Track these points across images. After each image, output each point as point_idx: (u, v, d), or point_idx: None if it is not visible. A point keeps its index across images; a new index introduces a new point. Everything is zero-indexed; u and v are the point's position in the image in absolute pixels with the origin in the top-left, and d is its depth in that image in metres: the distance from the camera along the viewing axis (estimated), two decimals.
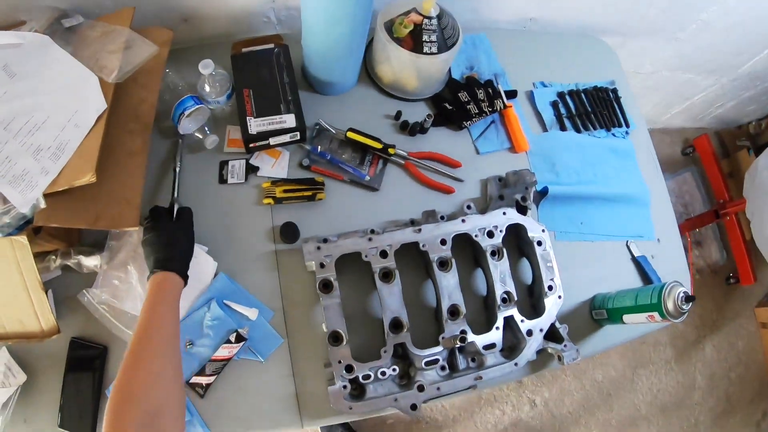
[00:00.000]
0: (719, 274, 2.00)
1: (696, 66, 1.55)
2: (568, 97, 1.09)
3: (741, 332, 2.02)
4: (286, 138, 0.89)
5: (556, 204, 1.00)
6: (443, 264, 0.84)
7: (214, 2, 0.95)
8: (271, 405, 0.83)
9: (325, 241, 0.83)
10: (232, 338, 0.84)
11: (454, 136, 1.00)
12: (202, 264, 0.86)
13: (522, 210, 0.92)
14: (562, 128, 1.07)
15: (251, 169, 0.91)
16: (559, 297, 0.90)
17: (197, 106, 0.87)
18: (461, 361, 0.85)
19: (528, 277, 0.95)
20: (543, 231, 0.91)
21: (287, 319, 0.86)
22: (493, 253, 0.87)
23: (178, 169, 0.85)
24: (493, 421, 1.73)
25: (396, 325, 0.81)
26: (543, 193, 0.99)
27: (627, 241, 1.06)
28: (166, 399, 0.61)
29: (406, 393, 0.80)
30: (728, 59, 1.53)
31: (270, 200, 0.88)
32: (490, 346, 0.84)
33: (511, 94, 1.04)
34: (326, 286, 0.81)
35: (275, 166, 0.92)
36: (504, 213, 0.89)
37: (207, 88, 0.90)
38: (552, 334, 0.90)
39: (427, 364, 0.81)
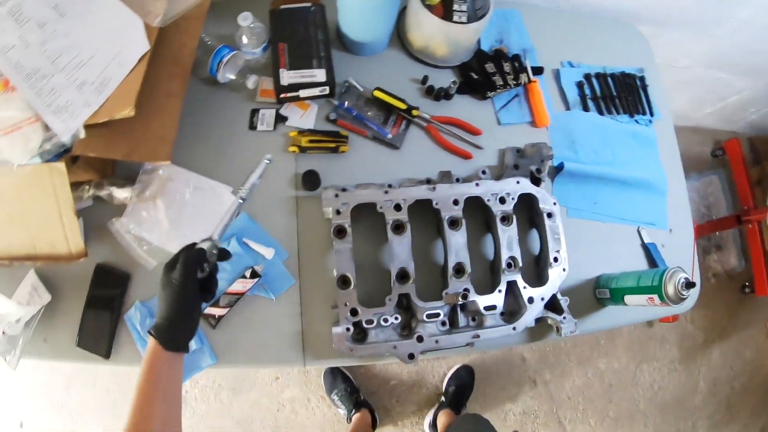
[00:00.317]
0: (735, 281, 1.95)
1: (732, 65, 1.51)
2: (594, 79, 1.09)
3: (750, 342, 1.98)
4: (315, 91, 0.92)
5: (571, 181, 1.01)
6: (454, 223, 0.86)
7: None
8: (277, 341, 0.87)
9: (344, 190, 0.86)
10: (248, 274, 0.87)
11: (477, 105, 1.01)
12: (226, 203, 0.90)
13: (536, 181, 0.93)
14: (585, 109, 1.06)
15: (280, 119, 0.94)
16: (564, 270, 0.91)
17: (233, 53, 0.90)
18: (462, 319, 0.87)
19: (536, 248, 0.96)
20: (555, 204, 0.92)
21: (301, 261, 0.89)
22: (503, 219, 0.88)
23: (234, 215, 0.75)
24: (492, 395, 1.75)
25: (403, 276, 0.84)
26: (559, 169, 0.99)
27: (639, 227, 1.05)
28: None
29: (405, 342, 0.82)
30: (766, 62, 1.48)
31: (295, 149, 0.91)
32: (491, 308, 0.86)
33: (538, 71, 1.04)
34: (340, 232, 0.84)
35: (303, 117, 0.95)
36: (518, 182, 0.90)
37: (244, 40, 0.93)
38: (553, 305, 0.91)
39: (429, 317, 0.83)
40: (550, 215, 0.91)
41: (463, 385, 1.68)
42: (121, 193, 0.85)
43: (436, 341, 0.83)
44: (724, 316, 1.94)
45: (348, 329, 0.82)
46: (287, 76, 0.91)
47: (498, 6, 0.94)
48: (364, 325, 0.82)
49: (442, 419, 1.55)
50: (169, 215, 0.87)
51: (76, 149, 0.71)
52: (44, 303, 0.82)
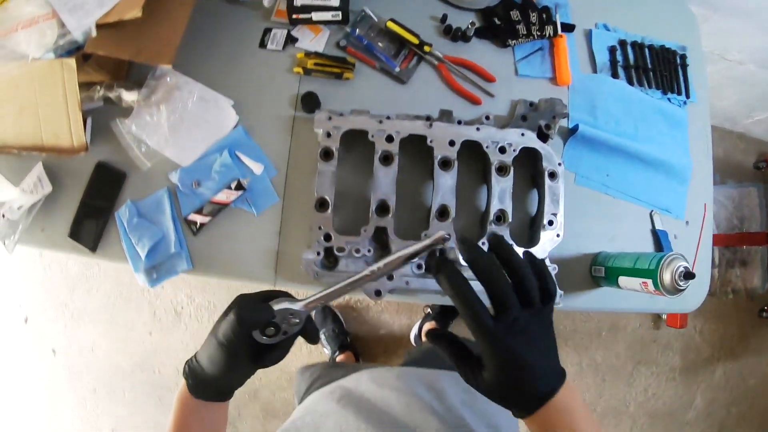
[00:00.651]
0: (755, 303, 1.74)
1: None
2: (629, 47, 0.95)
3: (756, 370, 1.77)
4: (328, 15, 0.84)
5: (585, 146, 0.89)
6: (445, 163, 0.77)
7: None
8: (252, 257, 0.82)
9: (341, 115, 0.79)
10: (233, 185, 0.82)
11: (496, 52, 0.90)
12: (225, 115, 0.85)
13: (543, 137, 0.82)
14: (614, 76, 0.93)
15: (291, 40, 0.87)
16: (558, 235, 0.80)
17: None
18: None
19: (534, 209, 0.85)
20: (560, 165, 0.80)
21: (288, 181, 0.83)
22: (499, 169, 0.78)
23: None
24: None
25: (382, 208, 0.76)
26: (573, 131, 0.87)
27: (652, 211, 0.92)
28: None
29: None
30: None
31: (300, 70, 0.84)
32: None
33: (568, 28, 0.91)
34: (327, 154, 0.76)
35: (313, 41, 0.87)
36: (522, 134, 0.80)
37: None
38: None
39: None
40: (552, 175, 0.80)
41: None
42: (129, 96, 0.82)
43: (407, 282, 0.75)
44: (734, 336, 1.74)
45: (319, 253, 0.75)
46: None
47: None
48: (336, 253, 0.75)
49: (428, 327, 1.48)
50: (170, 122, 0.84)
51: (88, 47, 0.70)
52: (46, 193, 0.81)
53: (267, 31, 0.88)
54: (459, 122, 0.80)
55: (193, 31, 0.82)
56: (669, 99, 0.96)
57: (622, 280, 0.79)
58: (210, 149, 0.84)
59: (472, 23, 0.86)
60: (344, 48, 0.86)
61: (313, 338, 0.54)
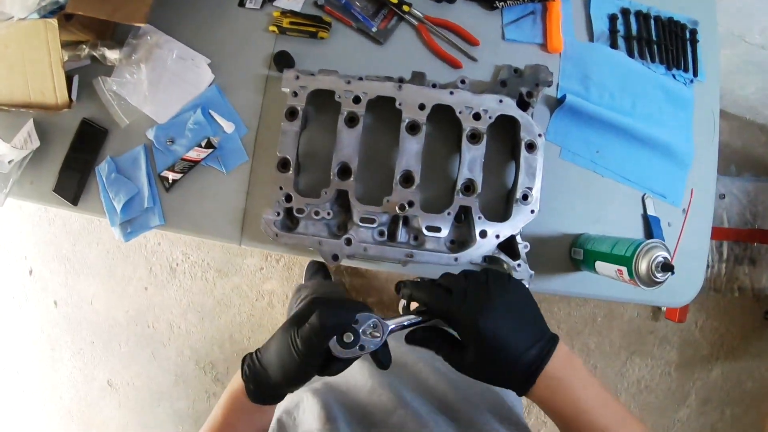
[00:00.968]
0: (760, 304, 1.56)
1: None
2: (632, 17, 0.82)
3: (755, 374, 1.61)
4: None
5: (573, 119, 0.78)
6: (413, 128, 0.68)
7: None
8: (220, 215, 0.76)
9: (312, 75, 0.72)
10: (203, 143, 0.77)
11: (482, 15, 0.79)
12: (201, 74, 0.79)
13: (523, 106, 0.72)
14: (613, 46, 0.81)
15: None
16: (532, 211, 0.70)
17: None
18: (402, 235, 0.70)
19: (510, 182, 0.75)
20: (540, 136, 0.70)
21: (258, 140, 0.77)
22: (472, 136, 0.69)
23: None
24: None
25: (344, 171, 0.68)
26: (560, 101, 0.77)
27: (645, 194, 0.80)
28: None
29: (331, 241, 0.68)
30: None
31: (275, 28, 0.77)
32: (434, 229, 0.68)
33: None
34: (292, 114, 0.69)
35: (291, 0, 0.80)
36: (500, 101, 0.70)
37: None
38: (510, 248, 0.72)
39: (363, 220, 0.68)
40: (531, 146, 0.70)
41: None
42: (111, 55, 0.79)
43: (365, 249, 0.68)
44: (736, 337, 1.58)
45: (278, 214, 0.69)
46: None
47: None
48: (295, 213, 0.69)
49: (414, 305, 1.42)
50: (149, 80, 0.79)
51: (68, 7, 0.69)
52: (33, 148, 0.79)
53: None
54: (434, 85, 0.71)
55: None
56: (673, 75, 0.84)
57: (599, 265, 0.69)
58: (185, 107, 0.79)
59: None
60: (322, 7, 0.78)
61: (385, 362, 0.45)
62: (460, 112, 0.69)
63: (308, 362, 0.42)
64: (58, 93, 0.74)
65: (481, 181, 0.69)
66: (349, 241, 0.68)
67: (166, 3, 0.77)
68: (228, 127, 0.77)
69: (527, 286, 0.71)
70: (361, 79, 0.70)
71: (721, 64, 0.87)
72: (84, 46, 0.78)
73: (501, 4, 0.77)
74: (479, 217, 0.69)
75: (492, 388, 0.56)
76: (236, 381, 0.47)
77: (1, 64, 0.75)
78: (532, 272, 0.70)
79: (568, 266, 0.78)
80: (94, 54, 0.79)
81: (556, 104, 0.78)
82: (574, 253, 0.76)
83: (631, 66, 0.81)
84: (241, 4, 0.80)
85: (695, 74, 0.84)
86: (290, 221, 0.72)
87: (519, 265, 0.70)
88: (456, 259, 0.68)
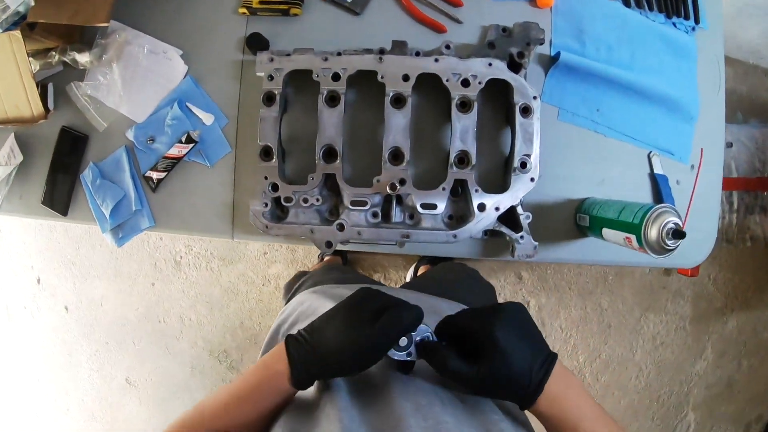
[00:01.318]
0: None
1: None
2: None
3: None
4: None
5: (570, 77, 0.71)
6: (398, 101, 0.63)
7: None
8: (209, 210, 0.73)
9: (288, 55, 0.66)
10: (183, 138, 0.72)
11: None
12: (174, 66, 0.74)
13: (515, 68, 0.66)
14: None
15: None
16: (532, 179, 0.65)
17: None
18: (397, 214, 0.66)
19: (507, 149, 0.70)
20: (535, 98, 0.64)
21: (239, 129, 0.72)
22: (461, 105, 0.64)
23: None
24: None
25: (329, 154, 0.63)
26: (554, 59, 0.70)
27: (651, 152, 0.74)
28: None
29: (323, 228, 0.63)
30: None
31: (245, 10, 0.71)
32: (430, 206, 0.64)
33: None
34: (269, 99, 0.64)
35: None
36: (490, 64, 0.64)
37: None
38: (512, 220, 0.67)
39: (354, 204, 0.63)
40: (526, 110, 0.64)
41: None
42: (82, 58, 0.74)
43: (359, 232, 0.63)
44: (750, 287, 1.51)
45: (266, 205, 0.65)
46: None
47: None
48: (283, 203, 0.64)
49: (423, 270, 1.39)
50: (123, 79, 0.75)
51: (30, 16, 0.65)
52: (17, 163, 0.76)
53: None
54: (417, 53, 0.65)
55: None
56: (674, 24, 0.76)
57: (606, 232, 0.64)
58: (162, 103, 0.74)
59: None
60: None
61: (436, 358, 0.43)
62: (447, 80, 0.63)
63: (377, 355, 0.41)
64: (33, 105, 0.72)
65: (476, 151, 0.63)
66: (341, 227, 0.63)
67: None
68: (207, 118, 0.72)
69: (532, 257, 0.67)
70: (339, 54, 0.65)
71: (722, 9, 0.79)
72: (54, 53, 0.74)
73: None
74: (476, 190, 0.64)
75: None
76: (273, 359, 0.43)
77: None
78: (536, 243, 0.65)
79: (575, 233, 0.73)
80: (65, 59, 0.74)
81: (549, 63, 0.71)
82: (579, 220, 0.71)
83: (628, 16, 0.74)
84: None
85: (696, 21, 0.76)
86: (280, 210, 0.68)
87: (522, 237, 0.65)
88: (455, 236, 0.63)
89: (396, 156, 0.63)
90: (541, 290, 1.52)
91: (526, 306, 1.49)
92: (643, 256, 0.61)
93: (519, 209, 0.66)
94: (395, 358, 0.42)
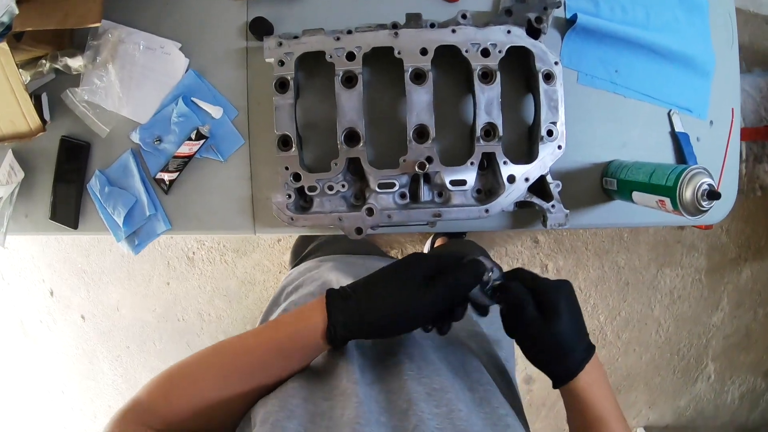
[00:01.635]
0: None
1: None
2: None
3: None
4: None
5: (587, 39, 0.70)
6: (418, 76, 0.61)
7: None
8: (227, 207, 0.71)
9: (295, 38, 0.64)
10: (193, 135, 0.70)
11: None
12: (174, 61, 0.71)
13: (534, 33, 0.65)
14: None
15: None
16: (559, 147, 0.64)
17: None
18: (425, 193, 0.65)
19: (530, 117, 0.69)
20: (556, 64, 0.64)
21: (250, 119, 0.70)
22: (483, 76, 0.62)
23: None
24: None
25: (351, 137, 0.62)
26: (571, 22, 0.69)
27: (670, 111, 0.73)
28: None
29: (352, 214, 0.63)
30: None
31: None
32: (459, 182, 0.63)
33: None
34: (282, 86, 0.62)
35: None
36: (508, 31, 0.62)
37: None
38: (541, 189, 0.66)
39: (382, 186, 0.62)
40: (548, 77, 0.63)
41: None
42: (74, 63, 0.71)
43: (389, 216, 0.63)
44: (763, 236, 1.54)
45: (289, 196, 0.64)
46: None
47: None
48: (307, 192, 0.63)
49: (440, 242, 1.41)
50: (121, 80, 0.72)
51: (16, 26, 0.62)
52: (19, 180, 0.74)
53: None
54: (432, 25, 0.63)
55: None
56: None
57: (637, 195, 0.64)
58: (165, 101, 0.72)
59: None
60: None
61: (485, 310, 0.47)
62: (466, 51, 0.62)
63: (427, 320, 0.42)
64: (29, 118, 0.69)
65: (502, 122, 0.62)
66: (370, 211, 0.62)
67: None
68: (215, 112, 0.70)
69: (564, 225, 0.67)
70: (350, 32, 0.63)
71: None
72: (44, 61, 0.71)
73: None
74: (504, 162, 0.63)
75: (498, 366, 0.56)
76: (311, 313, 0.42)
77: None
78: (567, 211, 0.65)
79: (601, 197, 0.73)
80: (57, 66, 0.71)
81: (565, 26, 0.70)
82: (606, 183, 0.71)
83: None
84: None
85: None
86: (303, 200, 0.66)
87: (553, 206, 0.65)
88: (487, 211, 0.63)
89: (421, 134, 0.62)
90: (558, 252, 1.53)
91: (544, 269, 1.52)
92: (668, 216, 0.62)
93: (548, 178, 0.65)
94: (478, 300, 0.43)
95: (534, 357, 0.47)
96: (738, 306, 1.56)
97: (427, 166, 0.61)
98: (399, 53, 0.61)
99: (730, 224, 1.54)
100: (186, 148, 0.70)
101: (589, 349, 0.46)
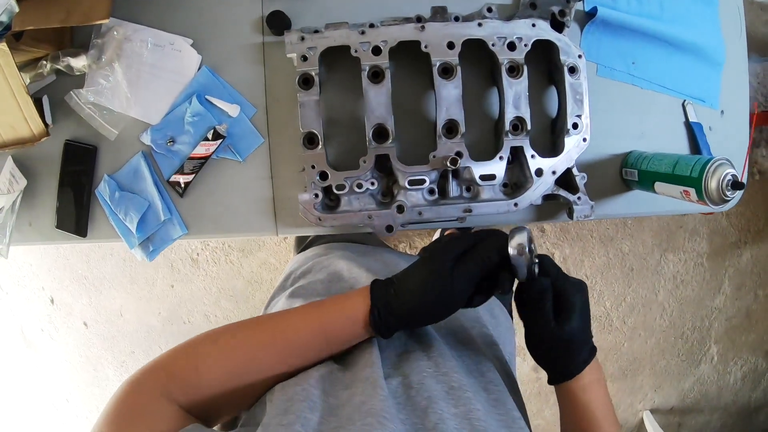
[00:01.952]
0: None
1: None
2: None
3: None
4: None
5: (605, 32, 0.72)
6: (446, 71, 0.62)
7: None
8: (247, 208, 0.71)
9: (316, 32, 0.63)
10: (210, 135, 0.69)
11: None
12: (185, 58, 0.70)
13: (557, 26, 0.66)
14: None
15: None
16: (584, 140, 0.66)
17: None
18: (454, 189, 0.66)
19: (552, 110, 0.71)
20: (580, 57, 0.65)
21: (269, 117, 0.70)
22: (510, 70, 0.63)
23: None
24: None
25: (380, 134, 0.62)
26: (591, 15, 0.70)
27: (685, 101, 0.76)
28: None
29: (382, 212, 0.63)
30: None
31: None
32: (489, 177, 0.64)
33: None
34: (306, 82, 0.62)
35: None
36: (533, 25, 0.63)
37: None
38: (566, 182, 0.68)
39: (412, 183, 0.63)
40: (572, 70, 0.65)
41: None
42: (77, 62, 0.69)
43: (420, 213, 0.63)
44: (762, 219, 1.60)
45: (316, 195, 0.64)
46: None
47: None
48: (335, 191, 0.63)
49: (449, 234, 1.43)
50: (128, 79, 0.71)
51: (15, 25, 0.60)
52: (21, 188, 0.72)
53: None
54: (456, 18, 0.64)
55: None
56: None
57: (659, 186, 0.66)
58: (177, 100, 0.71)
59: None
60: None
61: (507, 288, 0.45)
62: (493, 45, 0.62)
63: (456, 302, 0.43)
64: (31, 123, 0.66)
65: (530, 116, 0.63)
66: (401, 209, 0.63)
67: None
68: (232, 110, 0.70)
69: (590, 217, 0.69)
70: (372, 26, 0.63)
71: None
72: (44, 62, 0.69)
73: None
74: (532, 156, 0.65)
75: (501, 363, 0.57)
76: (357, 301, 0.44)
77: None
78: (593, 203, 0.67)
79: (620, 187, 0.76)
80: (58, 67, 0.69)
81: (584, 18, 0.72)
82: (626, 174, 0.73)
83: None
84: None
85: None
86: (328, 199, 0.67)
87: (579, 198, 0.66)
88: (516, 205, 0.64)
89: (450, 129, 0.63)
90: (564, 241, 1.57)
91: (551, 257, 1.56)
92: (687, 204, 0.65)
93: (574, 170, 0.67)
94: (523, 263, 0.42)
95: (537, 351, 0.48)
96: (739, 288, 1.63)
97: (459, 161, 0.62)
98: (426, 47, 0.61)
99: (730, 209, 1.60)
100: (202, 149, 0.70)
101: (592, 351, 0.47)
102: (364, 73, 0.61)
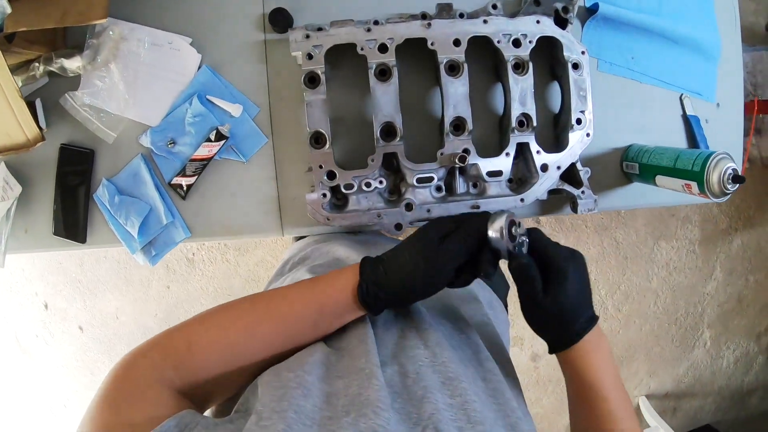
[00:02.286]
0: None
1: None
2: None
3: None
4: None
5: (606, 27, 0.74)
6: (453, 68, 0.64)
7: None
8: (251, 209, 0.71)
9: (320, 29, 0.64)
10: (212, 136, 0.70)
11: None
12: (185, 57, 0.70)
13: (561, 23, 0.67)
14: None
15: None
16: (588, 135, 0.69)
17: None
18: (461, 185, 0.68)
19: (555, 106, 0.73)
20: (583, 53, 0.67)
21: (273, 116, 0.70)
22: (516, 66, 0.65)
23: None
24: None
25: (388, 132, 0.64)
26: (592, 11, 0.72)
27: (682, 95, 0.79)
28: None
29: (391, 210, 0.65)
30: None
31: None
32: (496, 173, 0.66)
33: None
34: (312, 81, 0.63)
35: None
36: (538, 21, 0.65)
37: None
38: (570, 176, 0.70)
39: (420, 181, 0.65)
40: (576, 66, 0.67)
41: None
42: (71, 63, 0.69)
43: (428, 210, 0.65)
44: (752, 206, 1.67)
45: (324, 195, 0.65)
46: None
47: None
48: (343, 190, 0.65)
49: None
50: (125, 80, 0.70)
51: (7, 26, 0.59)
52: (16, 195, 0.71)
53: None
54: (461, 15, 0.65)
55: None
56: None
57: (661, 179, 0.69)
58: (177, 100, 0.71)
59: None
60: None
61: (490, 270, 0.46)
62: (498, 42, 0.64)
63: (441, 277, 0.44)
64: (25, 128, 0.65)
65: (535, 112, 0.65)
66: (409, 206, 0.65)
67: None
68: (235, 110, 0.70)
69: (593, 210, 0.72)
70: (377, 23, 0.64)
71: None
72: (37, 64, 0.68)
73: None
74: (537, 151, 0.67)
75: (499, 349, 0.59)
76: (346, 277, 0.46)
77: None
78: (596, 197, 0.69)
79: (620, 180, 0.78)
80: (52, 69, 0.69)
81: (585, 15, 0.74)
82: (626, 167, 0.76)
83: None
84: None
85: None
86: (335, 198, 0.68)
87: (583, 192, 0.69)
88: (522, 200, 0.67)
89: (457, 126, 0.64)
90: (559, 231, 1.62)
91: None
92: (686, 196, 0.68)
93: (578, 165, 0.69)
94: (505, 246, 0.44)
95: (532, 323, 0.49)
96: (730, 274, 1.70)
97: (467, 158, 0.63)
98: (432, 44, 0.63)
99: None
100: (205, 150, 0.70)
101: (591, 321, 0.47)
102: (371, 71, 0.62)
